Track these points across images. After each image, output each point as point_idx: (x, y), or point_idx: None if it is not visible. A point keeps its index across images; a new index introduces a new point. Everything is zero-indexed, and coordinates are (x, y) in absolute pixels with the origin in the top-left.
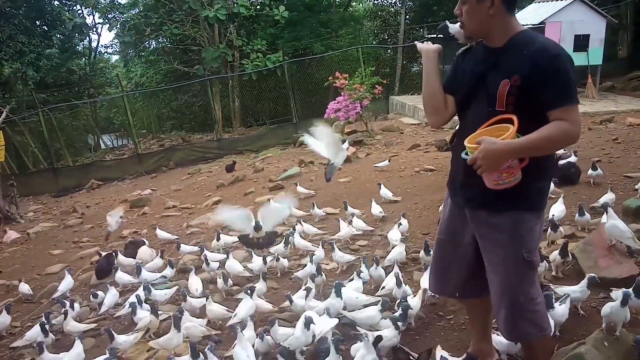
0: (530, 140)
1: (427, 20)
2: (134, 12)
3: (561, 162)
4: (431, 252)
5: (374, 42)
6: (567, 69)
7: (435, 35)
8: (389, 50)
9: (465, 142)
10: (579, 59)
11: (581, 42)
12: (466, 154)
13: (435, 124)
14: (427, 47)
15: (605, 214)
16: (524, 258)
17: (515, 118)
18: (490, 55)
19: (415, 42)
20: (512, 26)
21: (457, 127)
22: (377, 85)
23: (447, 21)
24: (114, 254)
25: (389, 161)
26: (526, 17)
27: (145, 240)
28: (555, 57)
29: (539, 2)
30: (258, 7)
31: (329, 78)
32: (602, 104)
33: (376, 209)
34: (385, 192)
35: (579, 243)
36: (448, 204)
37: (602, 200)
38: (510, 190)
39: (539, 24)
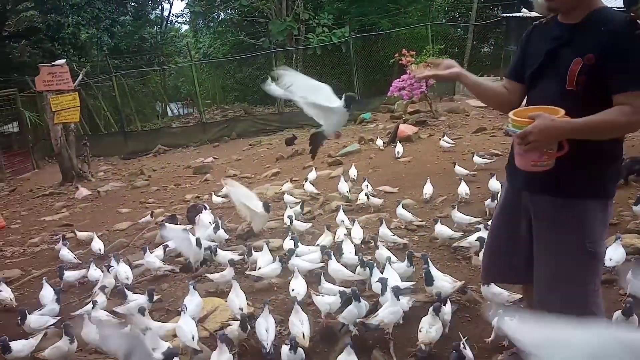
0: (589, 121)
1: None
2: None
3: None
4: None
5: (443, 20)
6: None
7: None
8: (459, 29)
9: (511, 115)
10: None
11: None
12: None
13: (505, 112)
14: (440, 74)
15: None
16: (586, 248)
17: (562, 110)
18: (565, 31)
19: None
20: (592, 1)
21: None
22: None
23: None
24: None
25: None
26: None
27: (206, 205)
28: (636, 37)
29: None
30: None
31: (395, 55)
32: None
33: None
34: (459, 170)
35: None
36: (505, 187)
37: None
38: (575, 176)
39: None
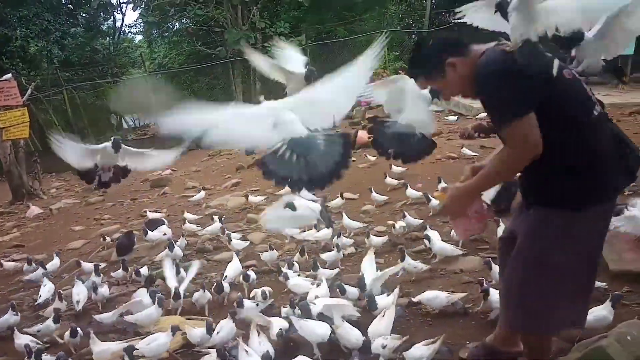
0: (479, 177)
1: (453, 5)
2: None
3: None
4: None
5: (398, 27)
6: (494, 87)
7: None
8: (414, 36)
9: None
10: None
11: None
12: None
13: None
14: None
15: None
16: (535, 258)
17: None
18: None
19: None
20: (474, 56)
21: None
22: (400, 71)
23: None
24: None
25: None
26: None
27: (164, 219)
28: (483, 78)
29: None
30: None
31: None
32: (631, 95)
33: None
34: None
35: None
36: None
37: None
38: (538, 185)
39: None
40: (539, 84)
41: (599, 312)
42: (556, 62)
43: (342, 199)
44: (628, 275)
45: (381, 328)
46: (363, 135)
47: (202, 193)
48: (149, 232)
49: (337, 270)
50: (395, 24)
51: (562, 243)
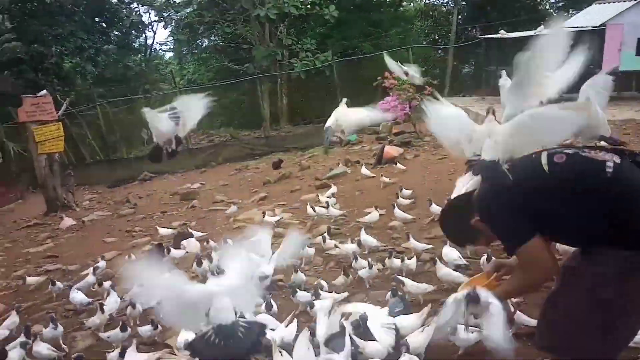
0: (500, 293)
1: (480, 20)
2: (188, 11)
3: None
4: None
5: (424, 43)
6: (491, 216)
7: None
8: (440, 51)
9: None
10: None
11: None
12: None
13: None
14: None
15: None
16: (580, 295)
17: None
18: None
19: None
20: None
21: None
22: (426, 86)
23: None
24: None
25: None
26: (587, 19)
27: (193, 232)
28: (480, 209)
29: (600, 3)
30: (308, 6)
31: (378, 78)
32: None
33: None
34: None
35: None
36: None
37: None
38: (587, 232)
39: (599, 26)
40: (530, 205)
41: None
42: (544, 158)
43: (378, 213)
44: None
45: (420, 340)
46: (390, 150)
47: (235, 207)
48: (172, 250)
49: (346, 293)
50: (422, 39)
51: (611, 287)
